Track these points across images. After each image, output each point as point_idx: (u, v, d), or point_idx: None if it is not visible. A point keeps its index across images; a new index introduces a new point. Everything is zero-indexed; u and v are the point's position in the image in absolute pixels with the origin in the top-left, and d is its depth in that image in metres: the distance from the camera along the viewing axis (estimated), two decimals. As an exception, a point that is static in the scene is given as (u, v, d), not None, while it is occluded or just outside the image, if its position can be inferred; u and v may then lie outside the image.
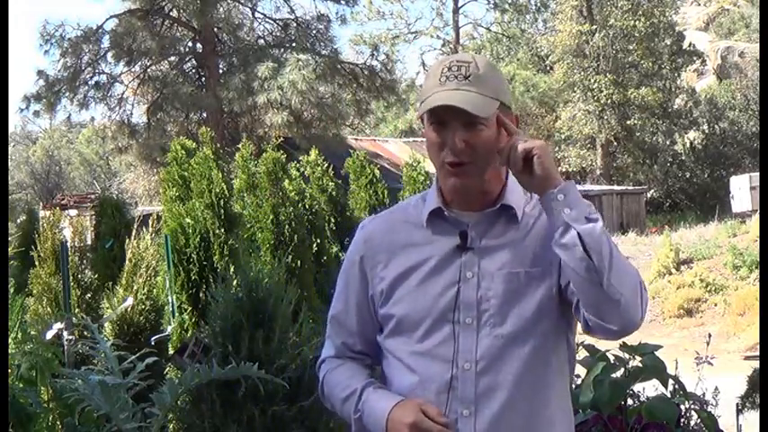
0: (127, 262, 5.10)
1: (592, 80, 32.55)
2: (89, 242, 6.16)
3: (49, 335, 4.24)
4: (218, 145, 5.59)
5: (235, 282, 3.48)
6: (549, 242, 1.83)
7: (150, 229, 5.35)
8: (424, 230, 1.94)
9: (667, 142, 34.09)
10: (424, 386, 1.88)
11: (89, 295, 5.47)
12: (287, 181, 6.32)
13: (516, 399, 1.85)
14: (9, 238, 6.68)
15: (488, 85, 1.89)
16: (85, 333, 4.17)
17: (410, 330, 1.91)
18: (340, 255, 6.52)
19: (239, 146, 6.77)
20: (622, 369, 3.14)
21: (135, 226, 5.47)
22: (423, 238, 1.94)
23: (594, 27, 32.51)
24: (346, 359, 2.06)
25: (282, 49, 25.01)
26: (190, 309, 5.06)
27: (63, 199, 24.86)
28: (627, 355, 3.15)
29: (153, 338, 4.66)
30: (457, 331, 1.87)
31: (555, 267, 1.87)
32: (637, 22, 32.17)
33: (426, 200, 1.99)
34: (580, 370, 3.42)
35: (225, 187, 5.29)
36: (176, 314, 5.02)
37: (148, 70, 25.49)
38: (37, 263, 5.46)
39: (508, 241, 1.91)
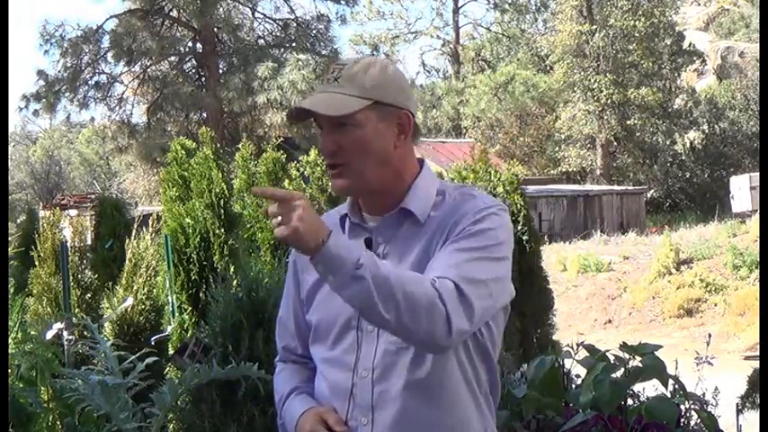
0: (127, 262, 5.10)
1: (592, 80, 32.55)
2: (89, 242, 6.16)
3: (49, 335, 4.24)
4: (218, 145, 5.59)
5: (235, 282, 3.48)
6: (437, 237, 1.85)
7: (150, 229, 5.35)
8: None
9: (667, 142, 34.09)
10: (333, 393, 1.89)
11: (89, 295, 5.47)
12: (287, 181, 6.33)
13: (412, 406, 1.82)
14: (9, 238, 6.69)
15: (357, 84, 1.85)
16: (85, 333, 4.17)
17: (323, 337, 1.92)
18: (340, 255, 6.53)
19: (239, 146, 6.78)
20: (622, 369, 3.14)
21: (135, 226, 5.47)
22: None
23: (594, 27, 32.51)
24: (288, 363, 2.07)
25: (282, 49, 25.03)
26: (190, 309, 5.06)
27: (63, 199, 24.88)
28: (627, 355, 3.15)
29: (153, 338, 4.66)
30: (360, 338, 1.86)
31: None
32: (637, 22, 32.17)
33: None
34: (580, 370, 3.42)
35: (225, 187, 5.29)
36: (176, 314, 5.02)
37: (148, 70, 25.51)
38: (37, 263, 5.47)
39: (410, 247, 1.88)
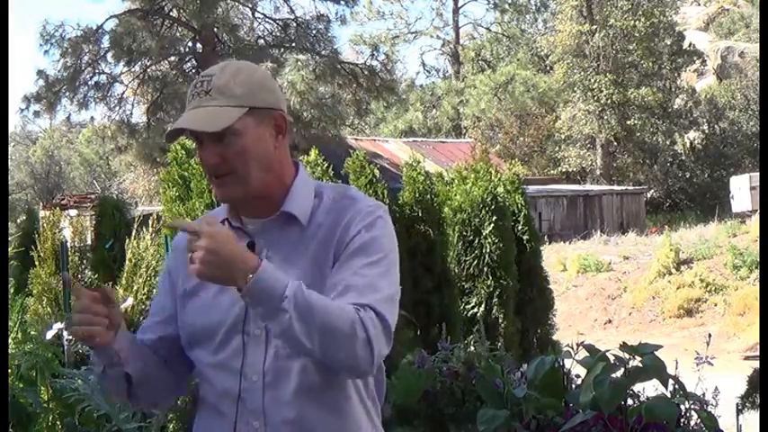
0: (127, 262, 5.10)
1: (592, 80, 32.56)
2: (89, 242, 6.16)
3: (49, 335, 4.25)
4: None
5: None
6: (326, 245, 1.84)
7: (150, 229, 5.35)
8: None
9: (667, 142, 34.10)
10: (220, 398, 1.87)
11: (89, 295, 5.46)
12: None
13: (305, 412, 1.82)
14: (9, 238, 6.68)
15: (229, 94, 1.84)
16: (85, 333, 4.16)
17: (205, 342, 1.90)
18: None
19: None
20: (622, 369, 3.14)
21: (135, 226, 5.47)
22: None
23: (594, 27, 32.52)
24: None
25: (282, 50, 25.02)
26: (190, 309, 5.05)
27: (63, 199, 24.87)
28: (627, 355, 3.15)
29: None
30: (246, 342, 1.84)
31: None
32: (637, 22, 32.18)
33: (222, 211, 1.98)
34: (580, 370, 3.42)
35: (225, 187, 5.28)
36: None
37: (148, 70, 25.50)
38: (37, 263, 5.47)
39: (294, 251, 1.86)
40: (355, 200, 1.92)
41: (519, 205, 7.13)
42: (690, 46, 35.88)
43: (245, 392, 1.83)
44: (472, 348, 4.22)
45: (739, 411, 4.55)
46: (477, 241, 6.63)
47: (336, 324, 1.71)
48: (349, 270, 1.81)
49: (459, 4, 40.84)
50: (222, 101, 1.83)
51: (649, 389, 3.33)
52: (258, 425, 1.82)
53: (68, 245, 5.33)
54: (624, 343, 3.17)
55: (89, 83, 24.73)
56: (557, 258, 18.31)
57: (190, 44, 26.56)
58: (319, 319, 1.69)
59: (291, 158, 1.97)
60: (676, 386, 3.39)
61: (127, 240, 5.26)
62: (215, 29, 24.98)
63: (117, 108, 25.58)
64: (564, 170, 34.03)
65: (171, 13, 25.02)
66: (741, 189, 24.17)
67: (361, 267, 1.81)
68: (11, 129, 43.44)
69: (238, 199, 1.89)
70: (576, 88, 33.16)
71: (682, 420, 3.42)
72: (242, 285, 1.68)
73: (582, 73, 32.88)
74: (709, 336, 4.09)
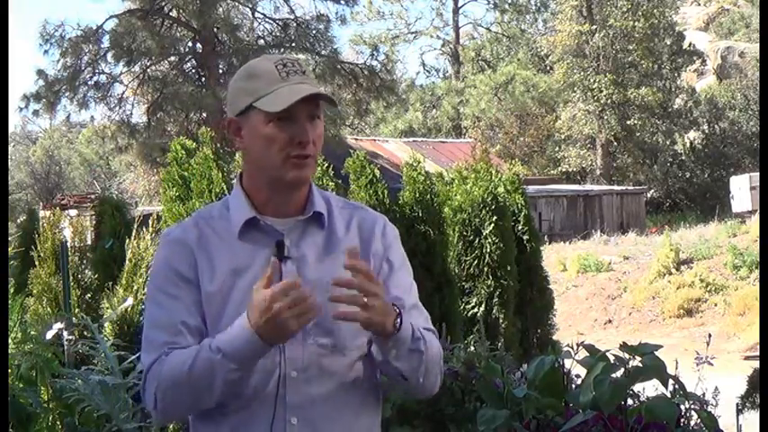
0: (127, 262, 5.10)
1: (592, 80, 32.57)
2: (89, 242, 6.16)
3: (49, 335, 4.25)
4: (218, 145, 5.59)
5: (235, 282, 3.47)
6: (367, 255, 1.88)
7: (150, 229, 5.34)
8: (240, 245, 1.86)
9: (667, 142, 34.11)
10: (256, 394, 1.82)
11: (89, 295, 5.47)
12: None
13: (342, 408, 1.85)
14: (9, 238, 6.68)
15: (313, 79, 1.91)
16: (85, 333, 4.17)
17: None
18: (340, 255, 6.53)
19: (239, 146, 6.77)
20: (622, 369, 3.14)
21: (135, 226, 5.46)
22: (244, 256, 1.86)
23: (594, 27, 32.52)
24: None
25: (282, 49, 25.01)
26: (190, 309, 5.05)
27: (63, 199, 24.88)
28: (627, 355, 3.15)
29: (153, 338, 4.65)
30: (285, 343, 1.80)
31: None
32: (636, 23, 32.19)
33: (231, 209, 1.91)
34: (580, 370, 3.42)
35: (225, 187, 5.28)
36: (176, 314, 5.01)
37: (148, 70, 25.50)
38: (37, 263, 5.46)
39: (324, 249, 1.88)
40: (360, 206, 1.99)
41: (519, 205, 7.13)
42: (690, 46, 35.91)
43: (283, 389, 1.82)
44: (472, 348, 4.21)
45: (739, 411, 4.55)
46: (477, 241, 6.63)
47: (436, 357, 1.89)
48: (400, 288, 1.92)
49: (459, 4, 40.87)
50: (314, 83, 1.88)
51: (649, 389, 3.33)
52: (296, 421, 1.82)
53: (68, 245, 5.32)
54: (624, 343, 3.17)
55: (89, 83, 24.73)
56: (557, 258, 18.31)
57: (190, 44, 26.56)
58: (436, 356, 1.88)
59: None
60: (676, 386, 3.39)
61: (127, 240, 5.25)
62: (215, 29, 24.98)
63: (117, 108, 25.60)
64: (564, 170, 34.03)
65: (171, 13, 25.02)
66: (741, 189, 24.17)
67: (411, 285, 1.95)
68: (11, 129, 43.49)
69: (306, 183, 1.90)
70: (575, 88, 33.16)
71: (682, 420, 3.42)
72: (392, 329, 1.78)
73: (582, 73, 32.88)
74: (709, 336, 4.09)
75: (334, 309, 1.77)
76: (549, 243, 20.79)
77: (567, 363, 3.60)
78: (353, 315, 1.73)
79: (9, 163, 35.43)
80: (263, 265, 1.80)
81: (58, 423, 4.09)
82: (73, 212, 15.47)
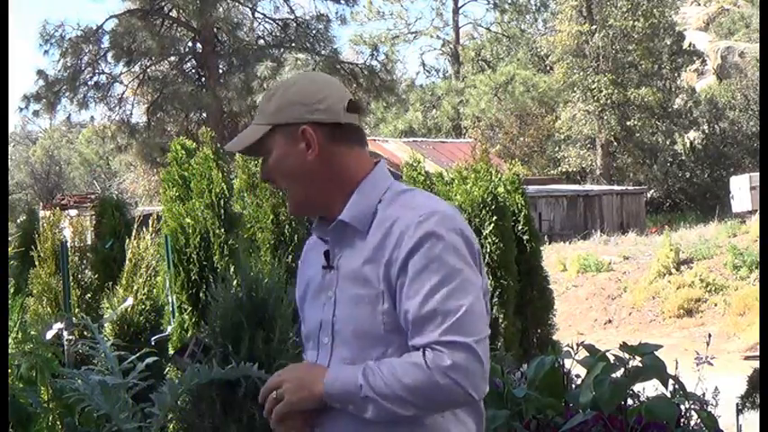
0: (127, 262, 5.09)
1: (591, 80, 32.57)
2: (89, 242, 6.15)
3: (49, 335, 4.25)
4: (218, 145, 5.58)
5: (235, 282, 3.48)
6: (385, 264, 1.81)
7: (150, 229, 5.34)
8: (321, 247, 1.99)
9: (667, 142, 34.11)
10: None
11: (89, 295, 5.47)
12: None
13: (361, 421, 1.82)
14: (9, 238, 6.68)
15: (263, 113, 1.93)
16: (85, 333, 4.17)
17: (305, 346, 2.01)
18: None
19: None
20: (622, 369, 3.14)
21: (135, 226, 5.46)
22: (316, 258, 1.98)
23: (594, 27, 32.52)
24: None
25: (282, 49, 25.01)
26: (190, 309, 5.06)
27: (63, 199, 24.89)
28: (627, 355, 3.15)
29: (153, 338, 4.66)
30: (319, 351, 1.91)
31: (391, 291, 1.81)
32: (636, 23, 32.19)
33: None
34: (580, 370, 3.42)
35: (225, 187, 5.28)
36: (176, 314, 5.02)
37: (148, 70, 25.50)
38: (37, 263, 5.46)
39: (355, 259, 1.86)
40: (410, 206, 1.85)
41: (519, 205, 7.13)
42: (690, 46, 35.90)
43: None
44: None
45: (739, 411, 4.55)
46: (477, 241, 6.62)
47: (416, 384, 1.72)
48: (412, 299, 1.77)
49: (459, 4, 40.85)
50: (258, 119, 1.94)
51: (649, 389, 3.34)
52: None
53: (68, 245, 5.32)
54: (624, 343, 3.17)
55: (89, 83, 24.73)
56: (557, 258, 18.31)
57: (190, 44, 26.56)
58: (398, 388, 1.72)
59: (368, 161, 1.95)
60: (676, 386, 3.39)
61: (127, 240, 5.25)
62: (215, 29, 24.97)
63: (117, 108, 25.60)
64: (564, 170, 34.04)
65: (171, 13, 25.02)
66: (741, 189, 24.18)
67: (430, 291, 1.75)
68: (11, 129, 43.48)
69: (294, 212, 2.00)
70: (575, 88, 33.16)
71: (682, 420, 3.42)
72: (322, 392, 1.79)
73: (582, 73, 32.88)
74: (709, 336, 4.09)
75: (352, 323, 1.84)
76: (549, 243, 20.79)
77: (567, 363, 3.60)
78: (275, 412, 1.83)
79: (9, 163, 35.42)
80: (318, 271, 1.94)
81: (58, 423, 4.09)
82: (73, 212, 15.47)
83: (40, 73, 24.12)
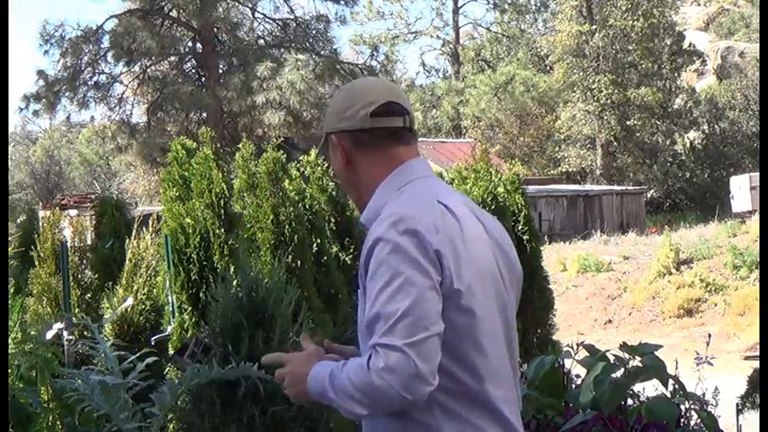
0: (127, 262, 5.09)
1: (591, 80, 32.56)
2: (89, 242, 6.15)
3: (49, 335, 4.24)
4: (218, 145, 5.58)
5: (235, 282, 3.48)
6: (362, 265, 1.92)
7: (150, 229, 5.34)
8: None
9: (667, 142, 34.10)
10: None
11: (89, 295, 5.47)
12: (287, 181, 6.32)
13: (378, 424, 1.94)
14: (9, 238, 6.68)
15: (325, 122, 2.12)
16: (85, 333, 4.17)
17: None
18: (340, 255, 6.52)
19: (239, 146, 6.77)
20: (622, 369, 3.14)
21: (135, 226, 5.46)
22: None
23: (594, 27, 32.52)
24: None
25: (282, 49, 25.01)
26: (190, 309, 5.05)
27: (63, 199, 24.87)
28: (627, 355, 3.15)
29: (153, 338, 4.65)
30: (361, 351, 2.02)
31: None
32: (636, 23, 32.18)
33: None
34: (580, 370, 3.42)
35: (225, 187, 5.28)
36: (176, 314, 5.02)
37: (148, 70, 25.50)
38: (37, 263, 5.46)
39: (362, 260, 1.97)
40: (383, 218, 1.92)
41: (519, 205, 7.12)
42: (690, 46, 35.89)
43: None
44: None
45: (739, 411, 4.55)
46: (477, 241, 6.61)
47: (360, 384, 1.81)
48: (368, 303, 1.89)
49: (459, 4, 40.86)
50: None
51: (649, 389, 3.34)
52: None
53: (68, 245, 5.32)
54: (624, 343, 3.18)
55: (89, 83, 24.73)
56: (557, 258, 18.31)
57: (190, 44, 26.56)
58: (351, 387, 1.83)
59: (399, 159, 2.03)
60: (676, 386, 3.39)
61: (127, 240, 5.25)
62: (215, 29, 24.97)
63: (117, 108, 25.61)
64: (564, 170, 34.03)
65: (171, 13, 25.02)
66: (741, 189, 24.18)
67: (376, 294, 1.84)
68: (11, 129, 43.48)
69: (356, 203, 2.13)
70: (575, 88, 33.15)
71: (682, 420, 3.42)
72: (308, 389, 1.93)
73: (582, 73, 32.88)
74: (709, 336, 4.09)
75: (360, 320, 1.95)
76: (549, 243, 20.79)
77: (567, 363, 3.60)
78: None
79: (9, 163, 35.43)
80: None
81: (58, 423, 4.09)
82: (73, 212, 15.46)
83: (40, 73, 24.13)
